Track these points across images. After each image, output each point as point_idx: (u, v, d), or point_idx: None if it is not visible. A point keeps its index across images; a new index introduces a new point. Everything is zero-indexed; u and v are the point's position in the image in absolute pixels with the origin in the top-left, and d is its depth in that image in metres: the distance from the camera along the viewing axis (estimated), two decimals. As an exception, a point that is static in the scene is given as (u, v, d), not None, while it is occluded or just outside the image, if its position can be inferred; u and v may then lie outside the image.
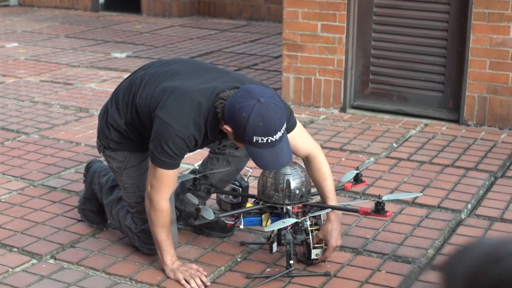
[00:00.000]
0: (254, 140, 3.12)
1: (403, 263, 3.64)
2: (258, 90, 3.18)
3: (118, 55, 8.50)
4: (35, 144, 5.38)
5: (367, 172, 4.68)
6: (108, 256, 3.72)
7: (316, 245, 3.51)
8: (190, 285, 3.40)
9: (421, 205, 4.30)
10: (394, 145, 5.37)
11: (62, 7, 12.11)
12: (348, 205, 3.76)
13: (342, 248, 3.73)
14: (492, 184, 4.65)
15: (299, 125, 3.52)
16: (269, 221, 3.55)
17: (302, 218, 3.47)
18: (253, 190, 4.00)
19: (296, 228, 3.45)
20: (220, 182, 3.88)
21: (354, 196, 4.44)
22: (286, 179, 3.50)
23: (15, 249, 3.80)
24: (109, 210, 3.88)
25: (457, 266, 1.18)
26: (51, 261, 3.69)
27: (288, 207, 3.50)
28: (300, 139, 3.51)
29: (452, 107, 5.90)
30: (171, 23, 10.72)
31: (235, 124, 3.14)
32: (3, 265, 3.62)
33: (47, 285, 3.45)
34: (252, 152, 3.18)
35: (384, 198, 3.42)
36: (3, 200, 4.40)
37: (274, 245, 3.51)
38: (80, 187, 4.48)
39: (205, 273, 3.48)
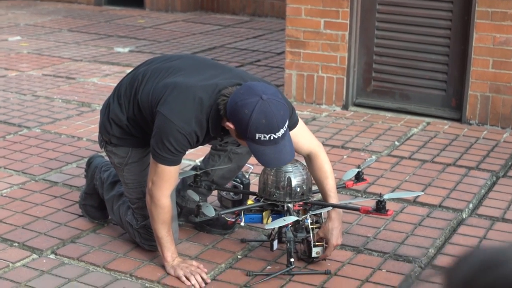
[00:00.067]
0: (257, 137, 3.11)
1: (403, 262, 3.64)
2: (260, 87, 3.17)
3: (120, 49, 8.50)
4: (36, 138, 5.38)
5: (368, 170, 4.67)
6: (109, 252, 3.72)
7: (316, 243, 3.50)
8: (191, 282, 3.40)
9: (422, 204, 4.30)
10: (396, 143, 5.36)
11: (65, 0, 12.11)
12: (349, 203, 3.75)
13: (342, 246, 3.72)
14: (494, 183, 4.64)
15: (301, 123, 3.51)
16: (270, 218, 3.54)
17: (303, 216, 3.46)
18: (254, 187, 4.00)
19: (296, 226, 3.45)
20: (221, 179, 3.87)
21: (355, 194, 4.44)
22: (287, 177, 3.49)
23: (16, 244, 3.80)
24: (110, 205, 3.88)
25: (455, 272, 1.19)
26: (52, 256, 3.69)
27: (289, 204, 3.49)
28: (302, 136, 3.51)
29: (454, 105, 5.90)
30: (174, 18, 10.71)
31: (237, 121, 3.14)
32: (3, 260, 3.62)
33: (47, 280, 3.45)
34: (254, 149, 3.18)
35: (385, 196, 3.41)
36: (4, 195, 4.40)
37: (275, 243, 3.51)
38: (81, 182, 4.48)
39: (206, 270, 3.48)
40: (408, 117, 5.97)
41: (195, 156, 4.88)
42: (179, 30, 9.79)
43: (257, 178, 3.72)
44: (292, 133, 3.34)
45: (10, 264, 3.59)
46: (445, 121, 5.86)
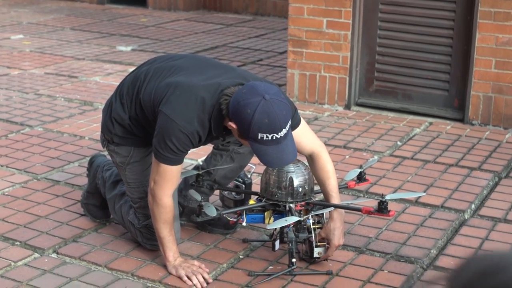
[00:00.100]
0: (259, 137, 3.11)
1: (405, 262, 3.64)
2: (263, 86, 3.17)
3: (123, 48, 8.50)
4: (39, 137, 5.38)
5: (370, 171, 4.67)
6: (111, 251, 3.72)
7: (318, 244, 3.50)
8: (192, 282, 3.40)
9: (425, 205, 4.29)
10: (398, 143, 5.36)
11: (67, -1, 12.12)
12: (351, 203, 3.75)
13: (344, 246, 3.72)
14: (496, 184, 4.64)
15: (303, 123, 3.51)
16: (272, 218, 3.54)
17: (305, 217, 3.46)
18: (256, 187, 4.00)
19: (298, 226, 3.45)
20: (223, 179, 3.87)
21: (358, 195, 4.44)
22: (289, 177, 3.49)
23: (18, 243, 3.80)
24: (112, 205, 3.88)
25: (456, 279, 1.19)
26: (54, 255, 3.69)
27: (291, 205, 3.49)
28: (304, 136, 3.50)
29: (457, 106, 5.89)
30: (177, 17, 10.71)
31: (240, 121, 3.13)
32: (5, 259, 3.62)
33: (49, 279, 3.45)
34: (256, 149, 3.17)
35: (387, 197, 3.40)
36: (6, 193, 4.40)
37: (277, 243, 3.50)
38: (84, 181, 4.48)
39: (207, 269, 3.48)
40: (411, 117, 5.96)
41: (197, 155, 4.88)
42: (181, 29, 9.79)
43: (259, 177, 3.72)
44: (294, 133, 3.33)
45: (12, 263, 3.59)
46: (448, 122, 5.85)
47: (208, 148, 3.82)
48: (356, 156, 5.08)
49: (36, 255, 3.69)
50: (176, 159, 3.30)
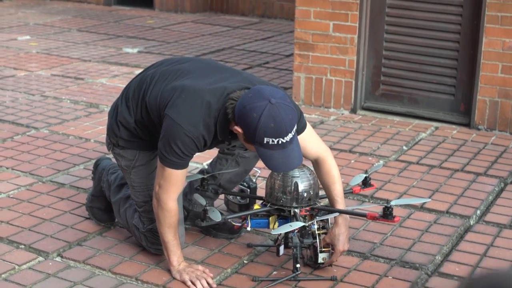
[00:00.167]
0: (265, 142, 3.11)
1: (410, 269, 3.63)
2: (269, 90, 3.16)
3: (129, 50, 8.50)
4: (44, 139, 5.38)
5: (376, 175, 4.66)
6: (115, 255, 3.71)
7: (323, 249, 3.49)
8: (196, 287, 3.39)
9: (430, 210, 4.28)
10: (404, 148, 5.34)
11: (74, 0, 12.12)
12: (357, 209, 3.74)
13: (349, 252, 3.71)
14: (502, 190, 4.63)
15: (309, 127, 3.50)
16: (277, 223, 3.54)
17: (310, 222, 3.45)
18: (261, 191, 3.99)
19: (303, 231, 3.44)
20: (228, 183, 3.87)
21: (363, 200, 4.43)
22: (294, 182, 3.49)
23: (22, 246, 3.80)
24: (116, 208, 3.88)
25: None
26: (58, 259, 3.69)
27: (296, 210, 3.49)
28: (310, 141, 3.50)
29: (463, 110, 5.88)
30: (183, 19, 10.71)
31: (245, 125, 3.13)
32: (9, 262, 3.62)
33: (53, 283, 3.45)
34: (262, 154, 3.17)
35: (392, 203, 3.39)
36: (11, 196, 4.41)
37: (281, 248, 3.50)
38: (89, 184, 4.48)
39: (211, 274, 3.47)
40: (417, 121, 5.95)
41: (203, 159, 4.87)
42: (188, 31, 9.79)
43: (264, 182, 3.71)
44: (300, 137, 3.33)
45: (16, 267, 3.59)
46: (454, 126, 5.84)
47: (213, 152, 3.81)
48: (361, 161, 5.07)
49: (41, 258, 3.68)
50: (181, 163, 3.30)
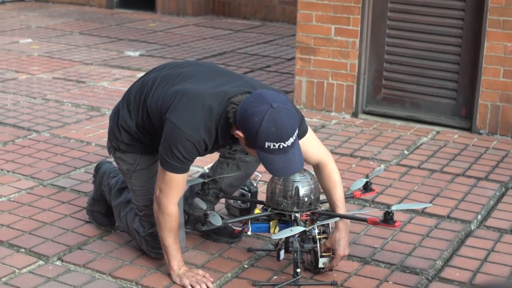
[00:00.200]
0: (266, 146, 3.11)
1: (410, 274, 3.62)
2: (270, 95, 3.16)
3: (131, 53, 8.50)
4: (45, 142, 5.38)
5: (377, 180, 4.66)
6: (115, 259, 3.71)
7: (323, 254, 3.49)
8: (196, 291, 3.40)
9: (431, 215, 4.28)
10: (405, 152, 5.34)
11: (77, 3, 12.12)
12: (358, 213, 3.73)
13: (350, 257, 3.71)
14: (503, 194, 4.62)
15: (310, 132, 3.50)
16: (277, 228, 3.53)
17: (310, 227, 3.45)
18: (262, 195, 3.99)
19: (304, 236, 3.44)
20: (229, 187, 3.86)
21: (364, 204, 4.42)
22: (295, 186, 3.48)
23: (22, 250, 3.80)
24: (117, 212, 3.88)
25: None
26: (58, 263, 3.69)
27: (297, 214, 3.48)
28: (311, 145, 3.50)
29: (464, 115, 5.87)
30: (185, 22, 10.71)
31: (247, 129, 3.13)
32: (10, 266, 3.62)
33: (53, 287, 3.45)
34: (263, 158, 3.17)
35: (393, 208, 3.39)
36: (12, 199, 4.40)
37: (282, 252, 3.49)
38: (89, 187, 4.48)
39: (212, 279, 3.47)
40: (418, 125, 5.94)
41: (204, 162, 4.87)
42: (190, 34, 9.79)
43: (265, 186, 3.71)
44: (301, 142, 3.33)
45: (16, 270, 3.59)
46: (455, 130, 5.83)
47: (214, 156, 3.81)
48: (362, 165, 5.06)
49: (41, 262, 3.68)
50: (182, 167, 3.30)
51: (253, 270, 3.63)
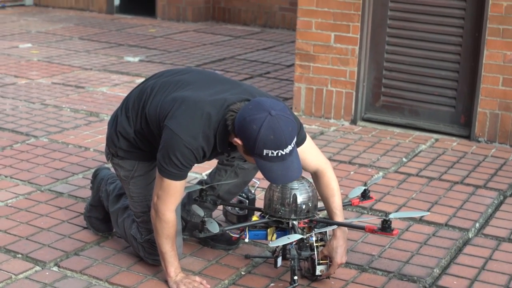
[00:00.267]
0: (264, 154, 3.10)
1: (408, 281, 3.61)
2: (269, 102, 3.16)
3: (130, 59, 8.50)
4: (44, 148, 5.37)
5: (375, 187, 4.66)
6: (112, 265, 3.70)
7: (321, 261, 3.48)
8: (193, 298, 3.39)
9: (429, 223, 4.27)
10: (404, 159, 5.33)
11: (77, 8, 12.13)
12: (355, 221, 3.73)
13: (347, 264, 3.70)
14: (501, 203, 4.61)
15: (308, 139, 3.50)
16: (275, 235, 3.53)
17: (308, 234, 3.44)
18: (260, 203, 3.98)
19: (301, 244, 3.43)
20: (227, 194, 3.86)
21: (361, 212, 4.42)
22: (293, 194, 3.48)
23: (19, 255, 3.79)
24: (115, 218, 3.87)
25: None
26: (55, 268, 3.68)
27: (294, 222, 3.48)
28: (310, 153, 3.49)
29: (463, 122, 5.87)
30: (185, 28, 10.71)
31: (245, 137, 3.12)
32: (6, 271, 3.61)
33: (49, 293, 3.45)
34: (261, 166, 3.16)
35: (391, 216, 3.38)
36: (9, 205, 4.40)
37: (279, 260, 3.49)
38: (87, 193, 4.47)
39: (209, 286, 3.46)
40: (417, 133, 5.94)
41: (202, 169, 4.87)
42: (189, 40, 9.80)
43: (263, 192, 3.70)
44: (299, 149, 3.32)
45: (13, 276, 3.58)
46: (454, 138, 5.83)
47: (213, 162, 3.81)
48: (361, 172, 5.06)
49: (38, 268, 3.67)
50: (180, 174, 3.30)
51: (250, 277, 3.63)
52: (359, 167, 5.17)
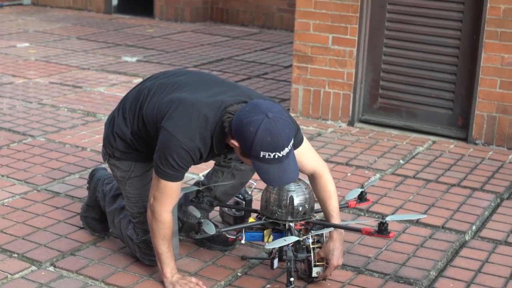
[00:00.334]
0: (261, 156, 3.10)
1: (404, 284, 3.61)
2: (266, 105, 3.16)
3: (128, 59, 8.49)
4: (40, 147, 5.36)
5: (372, 189, 4.65)
6: (108, 265, 3.70)
7: (317, 263, 3.48)
8: (189, 299, 3.38)
9: (425, 225, 4.27)
10: (401, 161, 5.33)
11: (75, 8, 12.12)
12: (352, 223, 3.73)
13: (343, 266, 3.70)
14: (498, 205, 4.61)
15: (305, 142, 3.50)
16: (271, 237, 3.53)
17: (304, 237, 3.44)
18: (256, 203, 3.98)
19: (297, 246, 3.42)
20: (224, 195, 3.86)
21: (358, 213, 4.41)
22: (289, 196, 3.48)
23: (15, 255, 3.78)
24: (111, 218, 3.87)
25: None
26: (51, 268, 3.67)
27: (291, 223, 3.48)
28: (307, 155, 3.49)
29: (460, 125, 5.87)
30: (183, 28, 10.71)
31: (242, 139, 3.12)
32: (2, 271, 3.61)
33: (45, 293, 3.45)
34: (258, 168, 3.16)
35: (388, 218, 3.38)
36: (5, 204, 4.39)
37: (275, 261, 3.48)
38: (84, 193, 4.47)
39: (205, 287, 3.46)
40: (414, 135, 5.94)
41: (199, 170, 4.86)
42: (187, 41, 9.79)
43: (260, 194, 3.70)
44: (296, 152, 3.32)
45: (9, 276, 3.57)
46: (451, 140, 5.83)
47: (210, 163, 3.81)
48: (358, 174, 5.06)
49: (33, 268, 3.67)
50: (177, 176, 3.29)
51: (246, 278, 3.63)
52: (356, 168, 5.17)
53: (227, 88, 3.44)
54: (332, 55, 6.15)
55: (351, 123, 6.18)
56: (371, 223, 3.97)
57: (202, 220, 3.37)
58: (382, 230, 3.34)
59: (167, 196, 3.33)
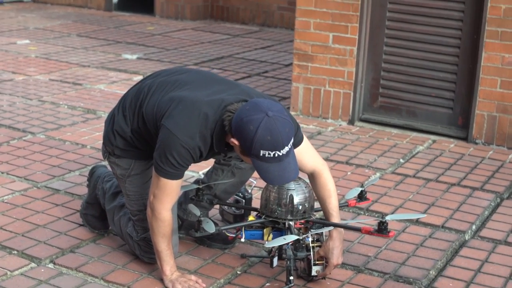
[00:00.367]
0: (261, 154, 3.10)
1: (404, 283, 3.61)
2: (266, 103, 3.16)
3: (128, 56, 8.49)
4: (40, 144, 5.36)
5: (372, 188, 4.65)
6: (108, 263, 3.70)
7: (317, 262, 3.48)
8: (188, 297, 3.38)
9: (425, 224, 4.27)
10: (401, 160, 5.33)
11: (75, 5, 12.12)
12: (351, 222, 3.73)
13: (343, 265, 3.70)
14: (498, 205, 4.61)
15: (305, 140, 3.50)
16: (271, 235, 3.53)
17: (304, 235, 3.44)
18: (256, 201, 3.98)
19: (297, 245, 3.42)
20: (223, 193, 3.85)
21: (358, 212, 4.41)
22: (289, 194, 3.48)
23: (15, 252, 3.78)
24: (111, 216, 3.87)
25: None
26: (50, 265, 3.67)
27: (290, 222, 3.48)
28: (306, 154, 3.49)
29: (461, 124, 5.87)
30: (184, 26, 10.70)
31: (242, 137, 3.12)
32: (1, 268, 3.61)
33: (44, 290, 3.45)
34: (258, 167, 3.16)
35: (388, 218, 3.38)
36: (5, 201, 4.39)
37: (275, 259, 3.48)
38: (83, 190, 4.47)
39: (204, 285, 3.46)
40: (414, 134, 5.94)
41: (199, 167, 4.86)
42: (188, 39, 9.79)
43: (260, 192, 3.70)
44: (296, 150, 3.32)
45: (8, 272, 3.58)
46: (451, 140, 5.83)
47: (210, 161, 3.80)
48: (358, 173, 5.06)
49: (33, 264, 3.67)
50: (177, 174, 3.29)
51: (246, 277, 3.63)
52: (356, 167, 5.17)
53: (227, 86, 3.44)
54: (333, 53, 6.15)
55: (351, 122, 6.18)
56: (371, 222, 3.97)
57: (202, 218, 3.37)
58: (382, 229, 3.34)
59: (167, 194, 3.33)
